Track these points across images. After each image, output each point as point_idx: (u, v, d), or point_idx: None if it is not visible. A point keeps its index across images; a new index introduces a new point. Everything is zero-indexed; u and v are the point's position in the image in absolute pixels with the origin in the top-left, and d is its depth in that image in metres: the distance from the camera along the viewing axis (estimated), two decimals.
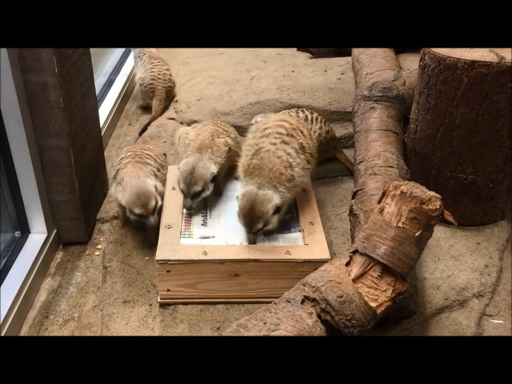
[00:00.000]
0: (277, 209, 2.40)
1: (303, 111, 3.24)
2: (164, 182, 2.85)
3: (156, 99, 4.02)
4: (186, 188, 2.58)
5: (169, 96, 4.11)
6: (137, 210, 2.56)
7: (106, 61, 4.54)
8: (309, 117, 3.19)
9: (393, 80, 3.26)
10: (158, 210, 2.62)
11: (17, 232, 2.70)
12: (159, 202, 2.63)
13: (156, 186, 2.64)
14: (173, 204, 2.69)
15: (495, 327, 2.38)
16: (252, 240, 2.45)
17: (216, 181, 2.65)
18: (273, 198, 2.39)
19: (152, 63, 4.16)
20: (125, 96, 4.26)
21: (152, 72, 4.08)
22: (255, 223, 2.39)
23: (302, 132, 2.62)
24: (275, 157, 2.44)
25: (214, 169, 2.62)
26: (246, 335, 1.73)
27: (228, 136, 2.85)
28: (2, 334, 2.23)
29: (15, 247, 2.62)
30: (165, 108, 4.07)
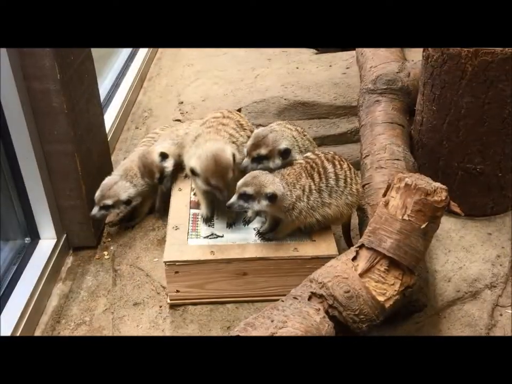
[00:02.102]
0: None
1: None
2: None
3: None
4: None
5: None
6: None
7: (111, 66, 4.56)
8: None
9: (397, 72, 3.23)
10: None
11: (27, 239, 2.72)
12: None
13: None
14: (180, 205, 2.69)
15: (509, 317, 2.35)
16: (229, 203, 2.28)
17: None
18: (230, 148, 2.34)
19: None
20: (131, 100, 4.28)
21: None
22: (225, 176, 2.29)
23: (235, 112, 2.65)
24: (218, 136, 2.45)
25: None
26: (253, 333, 1.72)
27: None
28: None
29: (25, 254, 2.64)
30: None
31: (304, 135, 2.66)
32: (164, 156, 2.78)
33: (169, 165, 2.79)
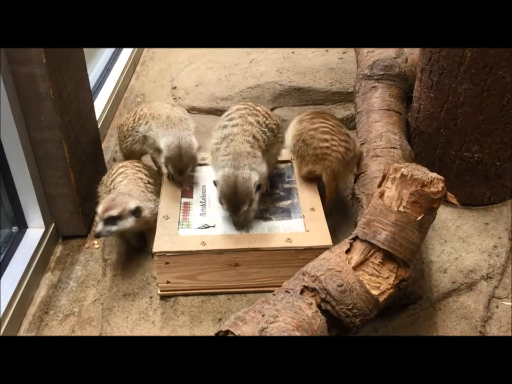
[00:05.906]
0: (258, 187, 2.37)
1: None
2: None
3: None
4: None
5: None
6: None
7: (102, 51, 4.45)
8: None
9: (394, 58, 3.15)
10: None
11: (14, 228, 2.67)
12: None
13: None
14: (170, 194, 2.63)
15: (505, 309, 2.31)
16: (240, 225, 2.40)
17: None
18: (253, 177, 2.34)
19: None
20: (123, 85, 4.19)
21: None
22: (241, 205, 2.32)
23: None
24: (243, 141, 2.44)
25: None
26: (243, 328, 1.68)
27: None
28: (2, 331, 2.21)
29: (13, 243, 2.59)
30: None
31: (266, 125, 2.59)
32: None
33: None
